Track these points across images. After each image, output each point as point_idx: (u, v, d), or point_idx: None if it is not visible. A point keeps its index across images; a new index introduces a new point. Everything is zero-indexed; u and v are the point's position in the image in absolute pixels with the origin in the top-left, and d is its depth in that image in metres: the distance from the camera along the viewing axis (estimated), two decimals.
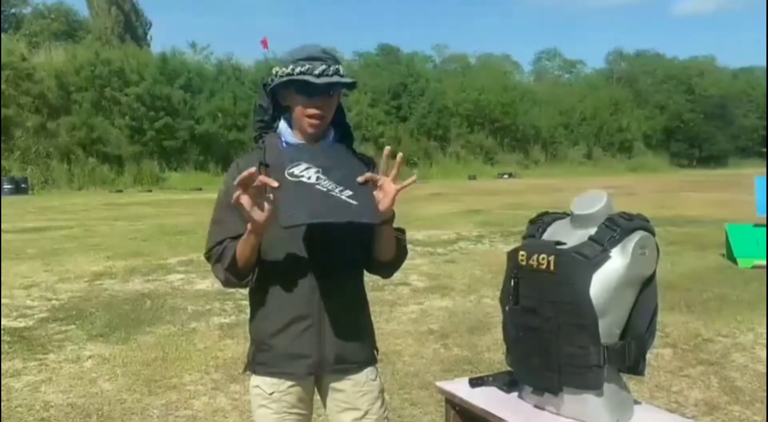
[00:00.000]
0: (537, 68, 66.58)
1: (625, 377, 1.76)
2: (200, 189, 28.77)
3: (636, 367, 1.72)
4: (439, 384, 2.05)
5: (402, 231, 1.89)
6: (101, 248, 10.32)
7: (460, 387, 1.96)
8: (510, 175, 39.86)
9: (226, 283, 1.81)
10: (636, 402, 1.80)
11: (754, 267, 7.95)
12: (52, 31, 43.43)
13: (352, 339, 1.85)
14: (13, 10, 46.15)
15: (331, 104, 1.80)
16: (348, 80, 1.78)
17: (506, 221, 13.44)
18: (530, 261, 1.71)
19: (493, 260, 8.54)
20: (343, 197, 1.60)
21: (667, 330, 5.13)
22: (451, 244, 10.48)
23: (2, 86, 29.60)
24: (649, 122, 55.59)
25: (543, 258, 1.68)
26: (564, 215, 1.88)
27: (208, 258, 1.85)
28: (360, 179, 1.67)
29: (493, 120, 45.88)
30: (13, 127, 29.89)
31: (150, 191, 28.96)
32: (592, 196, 1.80)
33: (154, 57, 37.97)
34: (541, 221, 1.89)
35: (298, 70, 1.72)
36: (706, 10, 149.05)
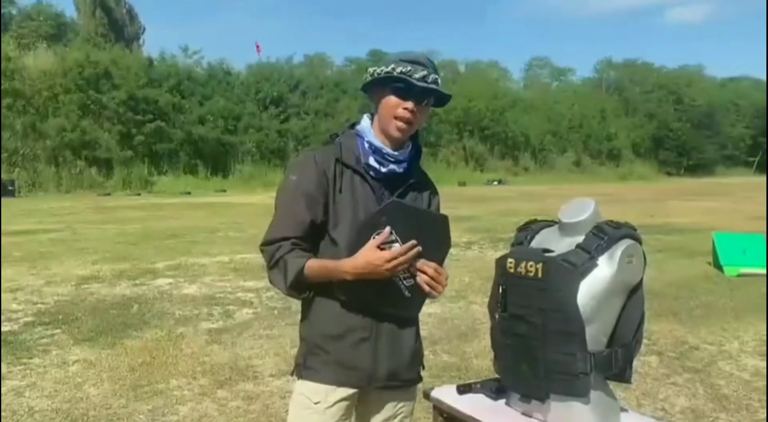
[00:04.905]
0: (528, 76, 66.88)
1: (611, 384, 1.77)
2: (189, 193, 28.65)
3: (622, 374, 1.73)
4: (426, 390, 2.05)
5: None
6: (88, 252, 10.24)
7: (447, 394, 1.96)
8: (499, 182, 39.95)
9: (287, 294, 1.77)
10: (622, 410, 1.81)
11: (740, 275, 8.02)
12: (40, 33, 43.10)
13: (405, 357, 1.83)
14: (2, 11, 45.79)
15: (422, 112, 1.77)
16: (445, 92, 1.75)
17: (495, 227, 13.47)
18: (518, 269, 1.72)
19: (482, 266, 8.55)
20: (403, 287, 1.74)
21: (654, 337, 5.16)
22: None
23: None
24: (637, 131, 56.00)
25: (531, 266, 1.69)
26: (552, 223, 1.89)
27: (262, 250, 1.78)
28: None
29: (482, 127, 46.01)
30: None
31: (138, 195, 28.77)
32: (579, 203, 1.81)
33: (143, 60, 37.78)
34: (529, 229, 1.90)
35: (399, 69, 1.71)
36: (695, 20, 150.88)
